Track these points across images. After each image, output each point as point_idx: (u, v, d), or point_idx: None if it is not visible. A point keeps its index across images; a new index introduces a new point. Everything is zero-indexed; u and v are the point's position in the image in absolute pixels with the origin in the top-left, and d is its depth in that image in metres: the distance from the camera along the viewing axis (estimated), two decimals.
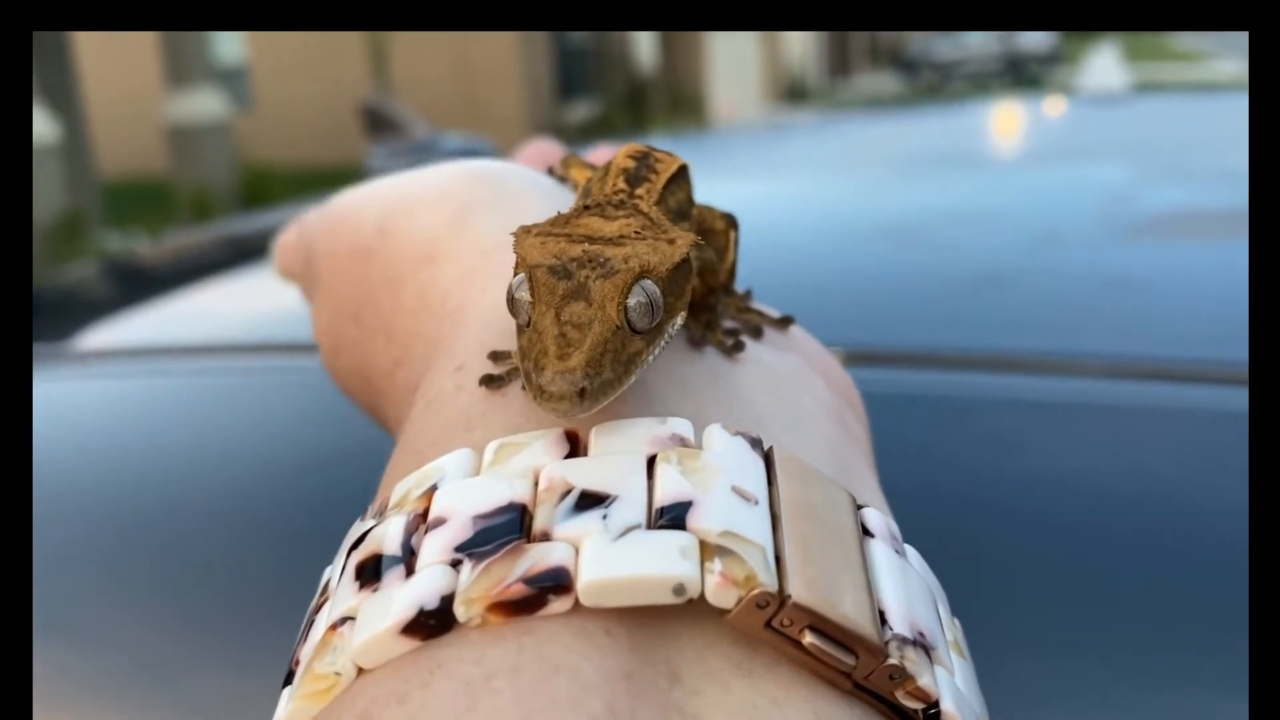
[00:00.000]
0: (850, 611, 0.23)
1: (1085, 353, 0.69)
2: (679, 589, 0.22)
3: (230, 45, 12.39)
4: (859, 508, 0.26)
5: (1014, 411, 0.64)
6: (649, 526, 0.23)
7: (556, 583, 0.22)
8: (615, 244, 0.27)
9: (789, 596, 0.22)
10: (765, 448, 0.26)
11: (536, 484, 0.24)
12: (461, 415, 0.28)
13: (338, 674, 0.23)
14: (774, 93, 18.52)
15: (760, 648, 0.23)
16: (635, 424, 0.26)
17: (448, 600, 0.22)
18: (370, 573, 0.24)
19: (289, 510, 0.62)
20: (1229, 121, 1.43)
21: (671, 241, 0.28)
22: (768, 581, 0.22)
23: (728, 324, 0.34)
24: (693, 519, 0.23)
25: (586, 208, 0.30)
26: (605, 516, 0.23)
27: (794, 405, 0.31)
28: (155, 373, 0.86)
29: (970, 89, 18.67)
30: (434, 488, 0.25)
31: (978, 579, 0.47)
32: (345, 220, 0.40)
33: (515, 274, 0.27)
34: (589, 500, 0.23)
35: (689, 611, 0.23)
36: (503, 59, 11.71)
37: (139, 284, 1.41)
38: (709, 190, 0.37)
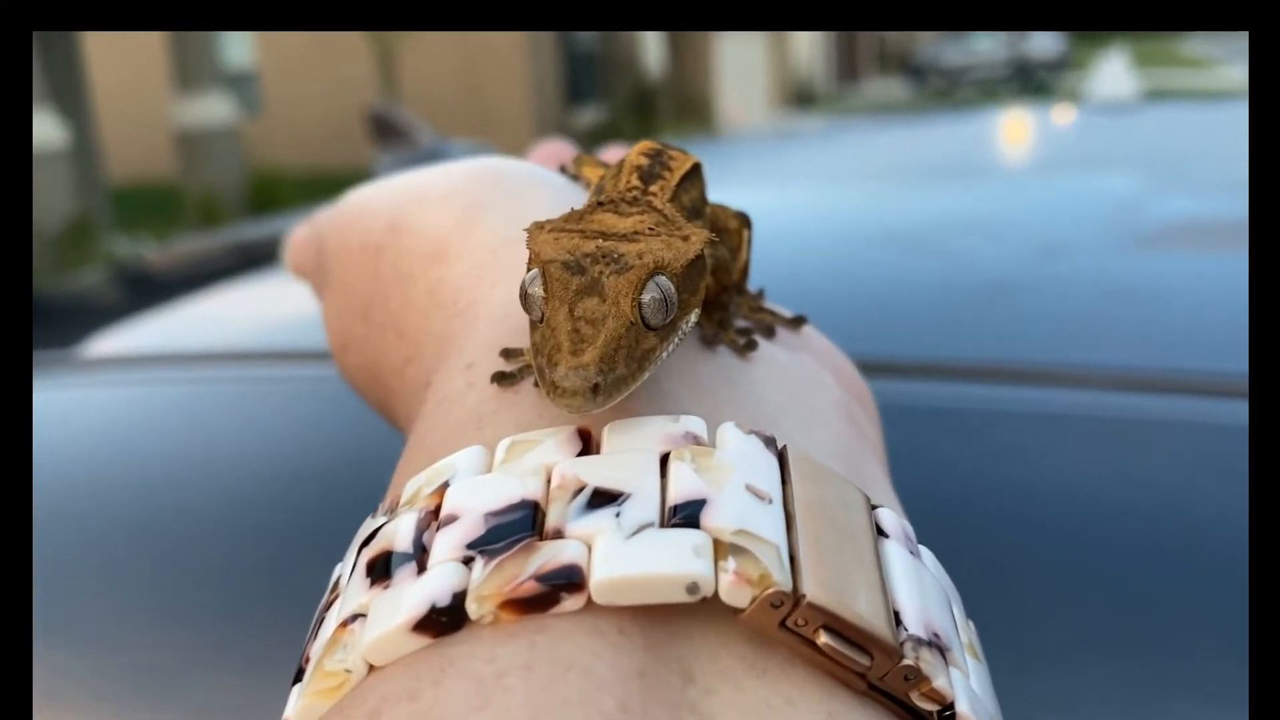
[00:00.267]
0: (865, 611, 0.23)
1: (1094, 364, 0.69)
2: (692, 587, 0.22)
3: (238, 49, 12.43)
4: (873, 507, 0.26)
5: (1022, 424, 0.64)
6: (662, 525, 0.23)
7: (569, 580, 0.22)
8: (629, 240, 0.27)
9: (803, 596, 0.22)
10: (779, 446, 0.26)
11: (549, 482, 0.24)
12: (473, 413, 0.28)
13: (348, 671, 0.23)
14: (782, 98, 18.53)
15: (774, 647, 0.23)
16: (648, 422, 0.26)
17: (459, 597, 0.22)
18: (381, 570, 0.23)
19: (295, 516, 0.62)
20: (1238, 131, 1.42)
21: (686, 238, 0.28)
22: (782, 581, 0.22)
23: (740, 323, 0.34)
24: (706, 517, 0.23)
25: (600, 204, 0.30)
26: (618, 514, 0.23)
27: (807, 404, 0.31)
28: (164, 380, 0.86)
29: (978, 95, 18.66)
30: (445, 485, 0.25)
31: (984, 588, 0.47)
32: (356, 217, 0.40)
33: (529, 269, 0.27)
34: (602, 498, 0.23)
35: (702, 610, 0.23)
36: (510, 63, 11.72)
37: (147, 290, 1.41)
38: (717, 198, 0.37)
